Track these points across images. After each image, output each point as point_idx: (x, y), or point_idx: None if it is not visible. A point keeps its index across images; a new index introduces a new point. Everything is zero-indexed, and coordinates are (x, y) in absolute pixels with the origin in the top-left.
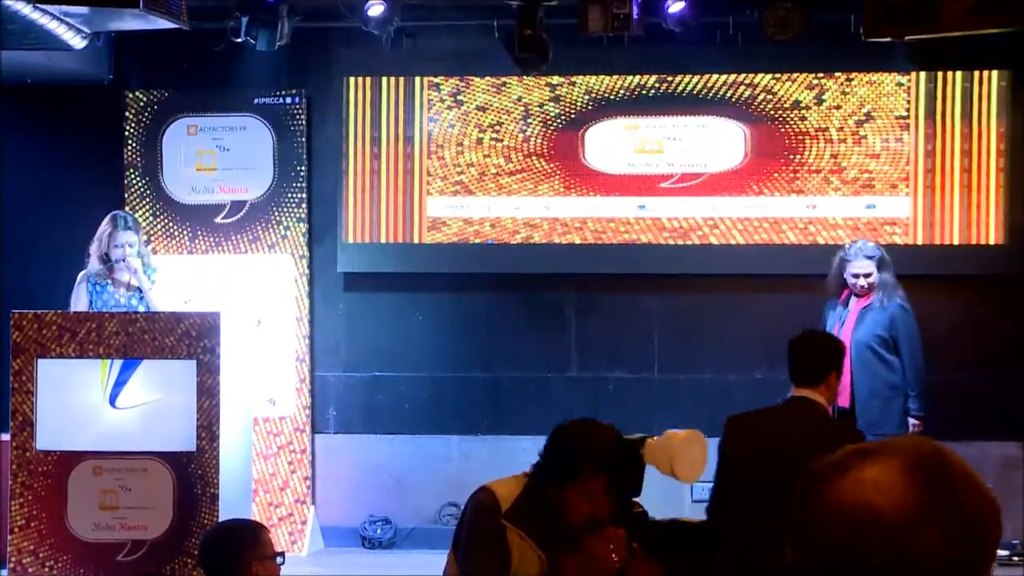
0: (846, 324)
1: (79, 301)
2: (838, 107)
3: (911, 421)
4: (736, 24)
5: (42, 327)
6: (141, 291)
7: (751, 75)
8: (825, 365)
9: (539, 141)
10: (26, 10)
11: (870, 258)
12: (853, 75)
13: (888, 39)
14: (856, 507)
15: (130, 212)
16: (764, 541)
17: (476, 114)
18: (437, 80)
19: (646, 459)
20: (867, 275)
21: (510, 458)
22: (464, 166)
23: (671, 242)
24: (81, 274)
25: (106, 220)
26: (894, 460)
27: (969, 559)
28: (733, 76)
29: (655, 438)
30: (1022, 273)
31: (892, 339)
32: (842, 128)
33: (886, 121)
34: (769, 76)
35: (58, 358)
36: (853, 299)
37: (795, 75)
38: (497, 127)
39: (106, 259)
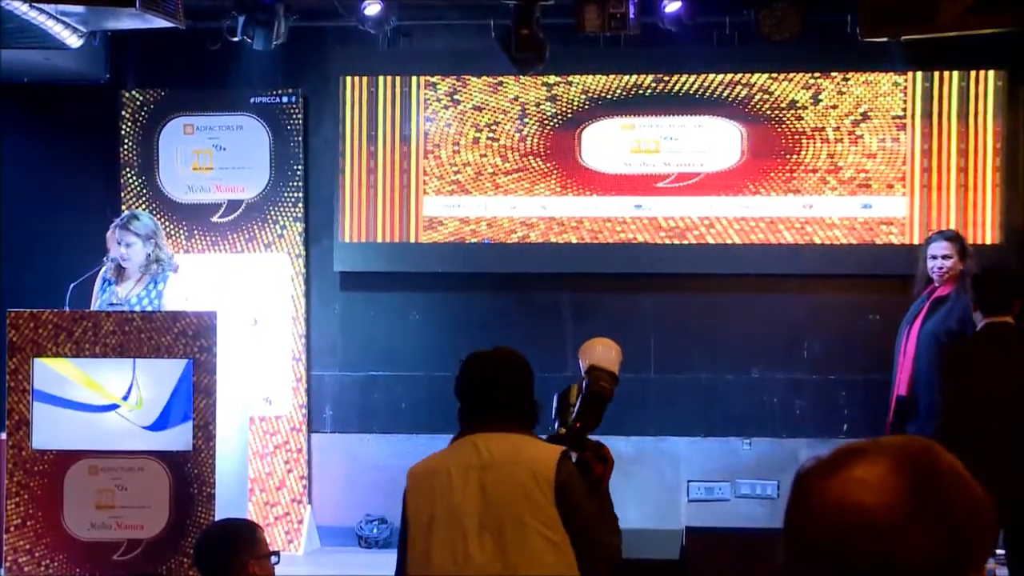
0: (921, 312)
1: (93, 297)
2: (835, 107)
3: None
4: (732, 24)
5: (38, 326)
6: (147, 293)
7: (747, 75)
8: (1013, 293)
9: (535, 140)
10: (23, 8)
11: (949, 239)
12: (850, 75)
13: (885, 39)
14: (845, 506)
15: (128, 212)
16: (995, 457)
17: (472, 113)
18: (434, 79)
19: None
20: (945, 256)
21: None
22: (460, 165)
23: (667, 242)
24: (102, 270)
25: None
26: (884, 459)
27: (957, 558)
28: (729, 76)
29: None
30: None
31: (962, 333)
32: (838, 128)
33: (882, 121)
34: (765, 76)
35: (54, 357)
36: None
37: (791, 75)
38: (494, 126)
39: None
